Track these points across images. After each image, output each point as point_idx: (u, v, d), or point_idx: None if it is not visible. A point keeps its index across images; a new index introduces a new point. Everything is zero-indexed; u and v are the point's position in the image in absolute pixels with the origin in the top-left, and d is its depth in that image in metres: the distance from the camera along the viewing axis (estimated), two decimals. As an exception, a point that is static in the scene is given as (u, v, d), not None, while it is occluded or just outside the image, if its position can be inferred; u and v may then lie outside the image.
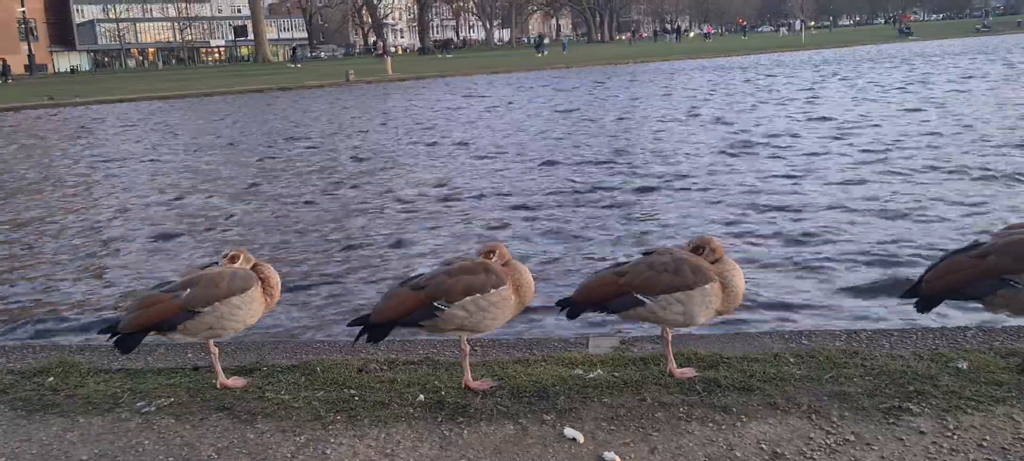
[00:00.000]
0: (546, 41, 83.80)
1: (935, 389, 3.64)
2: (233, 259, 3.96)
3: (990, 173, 10.71)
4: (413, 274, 4.14)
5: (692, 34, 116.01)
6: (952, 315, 5.11)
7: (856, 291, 5.98)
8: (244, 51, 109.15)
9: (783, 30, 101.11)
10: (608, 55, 66.34)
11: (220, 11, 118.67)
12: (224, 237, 9.59)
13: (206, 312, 3.77)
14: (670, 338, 3.91)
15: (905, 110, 19.28)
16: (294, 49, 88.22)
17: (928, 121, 16.93)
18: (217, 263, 4.03)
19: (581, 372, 4.04)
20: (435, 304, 3.67)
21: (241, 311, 3.83)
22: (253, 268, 3.98)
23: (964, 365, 3.87)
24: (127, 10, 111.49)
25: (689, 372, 3.94)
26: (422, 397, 3.82)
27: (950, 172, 11.07)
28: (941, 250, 6.15)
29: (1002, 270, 3.56)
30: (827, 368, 3.94)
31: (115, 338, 3.81)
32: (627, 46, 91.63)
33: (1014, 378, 3.72)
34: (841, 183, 10.63)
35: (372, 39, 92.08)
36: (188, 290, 3.79)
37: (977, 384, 3.67)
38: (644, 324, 3.89)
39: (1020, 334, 4.39)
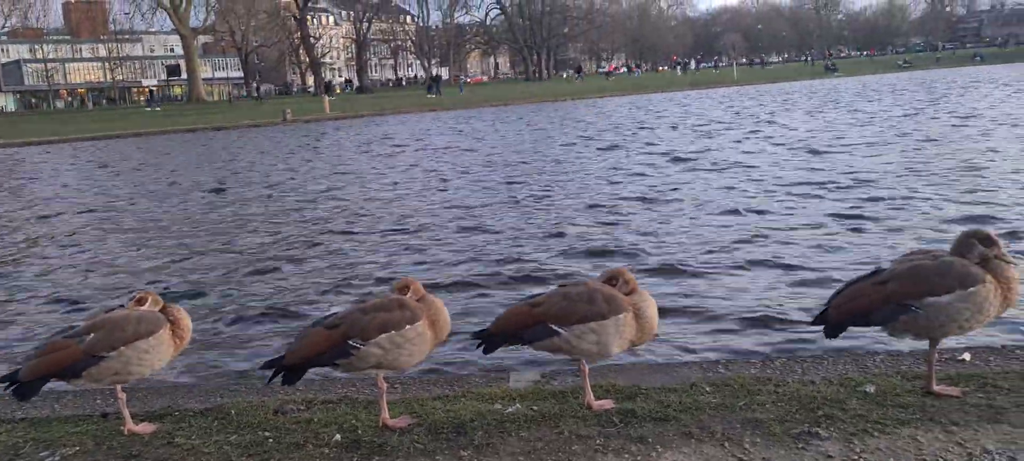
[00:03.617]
0: (443, 80, 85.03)
1: (843, 413, 3.72)
2: (140, 301, 3.86)
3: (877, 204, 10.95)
4: (328, 313, 4.09)
5: (615, 71, 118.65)
6: (862, 339, 5.25)
7: (772, 319, 6.09)
8: (177, 90, 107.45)
9: (679, 69, 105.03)
10: (501, 95, 66.69)
11: (152, 50, 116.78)
12: (133, 282, 9.32)
13: (111, 357, 3.66)
14: (587, 370, 3.93)
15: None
16: (258, 87, 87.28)
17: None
18: (124, 306, 3.93)
19: (500, 407, 4.03)
20: (350, 342, 3.64)
21: (148, 355, 3.73)
22: (162, 310, 3.89)
23: (871, 389, 3.97)
24: (55, 50, 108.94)
25: (607, 403, 3.96)
26: (338, 437, 3.76)
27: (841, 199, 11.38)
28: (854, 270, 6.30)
29: (902, 296, 3.68)
30: (741, 396, 4.00)
31: (13, 387, 3.67)
32: (524, 84, 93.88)
33: (919, 400, 3.83)
34: (757, 212, 10.86)
35: (328, 79, 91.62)
36: (92, 335, 3.68)
37: (883, 407, 3.76)
38: (560, 355, 3.90)
39: (924, 357, 4.52)
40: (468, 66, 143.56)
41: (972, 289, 3.58)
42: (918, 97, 36.19)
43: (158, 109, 72.41)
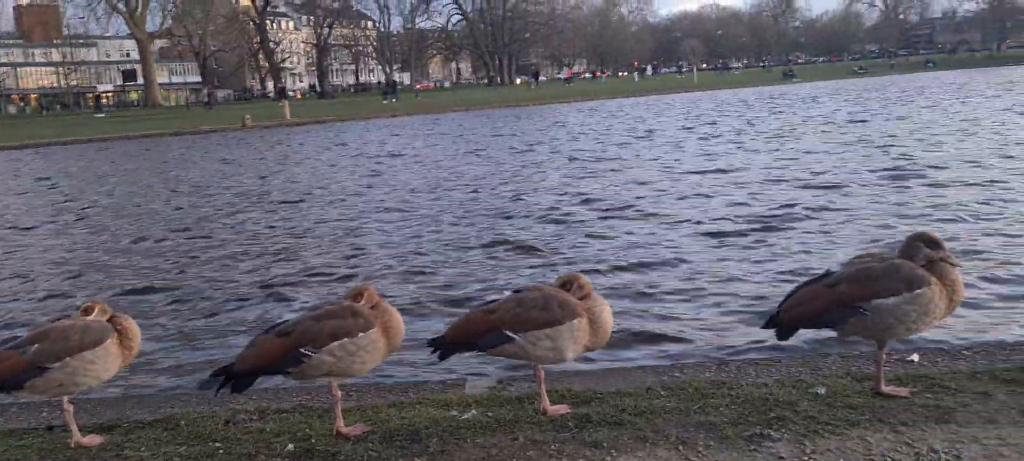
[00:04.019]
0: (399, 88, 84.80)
1: (795, 415, 3.76)
2: (87, 311, 3.78)
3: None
4: (280, 320, 4.03)
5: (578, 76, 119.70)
6: (814, 341, 5.32)
7: (729, 322, 6.16)
8: (134, 96, 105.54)
9: (637, 75, 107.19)
10: (459, 101, 66.58)
11: (108, 55, 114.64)
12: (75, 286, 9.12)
13: (55, 368, 3.57)
14: (543, 376, 3.93)
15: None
16: (209, 93, 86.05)
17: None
18: (70, 315, 3.84)
19: (455, 413, 4.01)
20: (301, 350, 3.59)
21: (95, 366, 3.65)
22: (110, 319, 3.81)
23: (822, 390, 4.02)
24: (7, 54, 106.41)
25: (562, 409, 3.96)
26: (291, 446, 3.71)
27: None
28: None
29: (851, 298, 3.74)
30: (696, 399, 4.03)
31: (-47, 399, 3.57)
32: (482, 90, 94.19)
33: (868, 401, 3.89)
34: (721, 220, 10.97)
35: (281, 85, 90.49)
36: (36, 345, 3.59)
37: (834, 408, 3.81)
38: (516, 361, 3.90)
39: (873, 359, 4.59)
40: (430, 71, 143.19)
41: (918, 291, 3.64)
42: (869, 101, 36.88)
43: (102, 115, 70.98)
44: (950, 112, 27.50)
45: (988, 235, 8.71)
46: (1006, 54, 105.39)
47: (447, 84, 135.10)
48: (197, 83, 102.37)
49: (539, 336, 3.67)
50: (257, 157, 27.57)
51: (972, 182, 12.35)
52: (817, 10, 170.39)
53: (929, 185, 12.38)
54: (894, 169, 14.35)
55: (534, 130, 32.38)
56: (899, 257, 3.79)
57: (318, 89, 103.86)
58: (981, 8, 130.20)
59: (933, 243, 3.73)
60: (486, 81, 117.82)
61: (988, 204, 10.46)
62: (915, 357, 4.53)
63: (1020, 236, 8.63)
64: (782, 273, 7.64)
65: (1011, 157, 14.86)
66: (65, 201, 18.03)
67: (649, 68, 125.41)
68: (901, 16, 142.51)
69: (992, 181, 12.28)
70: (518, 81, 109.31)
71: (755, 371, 4.47)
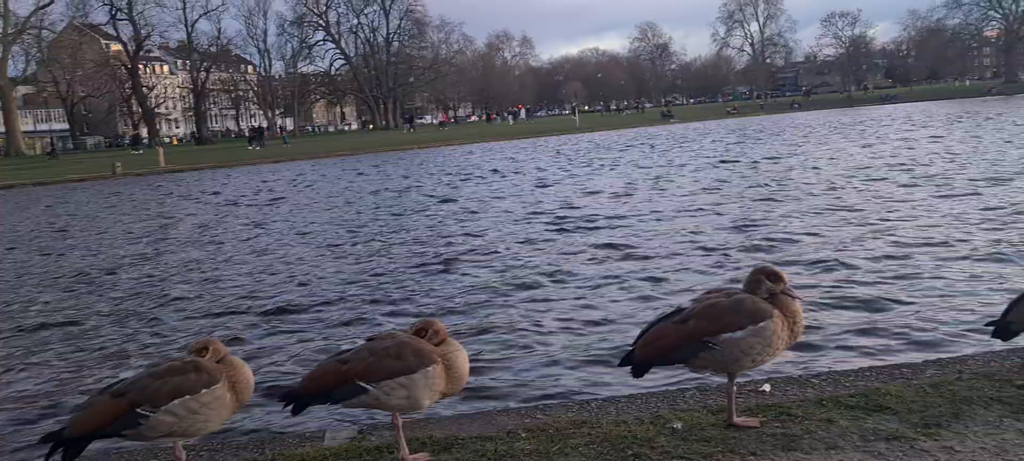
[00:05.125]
0: (265, 133, 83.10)
1: (652, 451, 3.81)
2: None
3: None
4: (116, 380, 3.80)
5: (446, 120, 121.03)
6: (678, 376, 5.43)
7: (594, 361, 6.23)
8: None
9: (504, 118, 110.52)
10: (330, 147, 65.67)
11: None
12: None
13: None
14: (400, 424, 3.84)
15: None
16: (52, 142, 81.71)
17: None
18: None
19: (312, 469, 3.87)
20: (139, 411, 3.40)
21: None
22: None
23: (679, 425, 4.09)
24: None
25: (422, 457, 3.88)
26: (131, 515, 3.49)
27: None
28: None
29: (702, 333, 3.83)
30: (556, 440, 4.02)
31: None
32: (352, 135, 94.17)
33: (721, 433, 3.98)
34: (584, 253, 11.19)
35: (135, 132, 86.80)
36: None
37: (689, 442, 3.88)
38: (373, 411, 3.80)
39: (726, 391, 4.72)
40: (314, 116, 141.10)
41: (762, 324, 3.77)
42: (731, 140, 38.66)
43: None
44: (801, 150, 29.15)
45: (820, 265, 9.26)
46: (865, 95, 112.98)
47: (332, 128, 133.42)
48: (64, 130, 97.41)
49: (393, 385, 3.60)
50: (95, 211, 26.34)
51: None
52: (692, 54, 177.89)
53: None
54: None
55: (398, 176, 32.00)
56: (744, 291, 3.92)
57: (197, 135, 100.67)
58: (839, 53, 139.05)
59: (774, 276, 3.87)
60: (371, 125, 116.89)
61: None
62: (767, 387, 4.67)
63: (854, 264, 9.19)
64: (640, 308, 7.84)
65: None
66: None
67: (522, 112, 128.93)
68: (768, 60, 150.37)
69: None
70: (395, 125, 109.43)
71: (616, 409, 4.50)
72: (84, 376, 7.10)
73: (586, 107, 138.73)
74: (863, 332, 6.67)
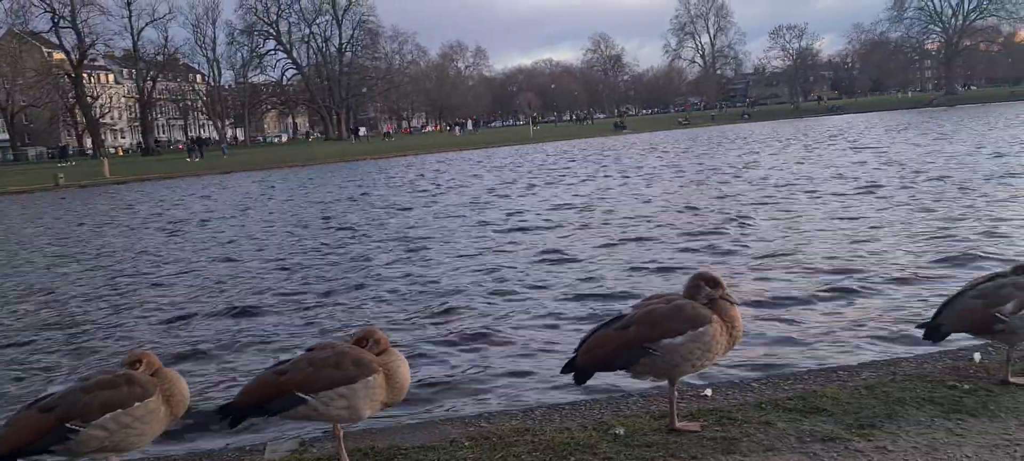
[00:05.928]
0: (206, 144, 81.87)
1: (594, 457, 3.82)
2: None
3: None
4: (44, 394, 3.70)
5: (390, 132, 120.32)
6: (621, 381, 5.46)
7: (539, 370, 6.23)
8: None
9: (458, 129, 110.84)
10: (271, 158, 64.78)
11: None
12: None
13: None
14: (342, 435, 3.80)
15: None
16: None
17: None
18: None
19: (250, 482, 3.81)
20: (68, 425, 3.31)
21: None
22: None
23: (621, 431, 4.12)
24: None
25: (363, 468, 3.85)
26: (61, 533, 3.39)
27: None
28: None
29: (642, 339, 3.86)
30: (499, 448, 4.02)
31: None
32: (293, 147, 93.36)
33: (663, 438, 4.01)
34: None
35: (63, 144, 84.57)
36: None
37: (631, 448, 3.91)
38: (314, 422, 3.76)
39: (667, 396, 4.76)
40: (266, 126, 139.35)
41: (701, 329, 3.81)
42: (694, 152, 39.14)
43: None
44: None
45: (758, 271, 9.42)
46: (817, 106, 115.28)
47: (284, 138, 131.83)
48: (4, 141, 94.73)
49: (333, 396, 3.56)
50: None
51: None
52: (644, 65, 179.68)
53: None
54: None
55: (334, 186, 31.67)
56: (684, 297, 3.97)
57: (143, 145, 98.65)
58: (787, 65, 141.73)
59: (713, 282, 3.92)
60: (324, 136, 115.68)
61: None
62: (708, 391, 4.73)
63: (788, 267, 9.38)
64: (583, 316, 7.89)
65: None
66: None
67: (469, 123, 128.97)
68: (719, 71, 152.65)
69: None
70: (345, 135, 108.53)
71: (560, 416, 4.52)
72: (8, 391, 6.90)
73: (539, 117, 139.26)
74: (800, 335, 6.79)
